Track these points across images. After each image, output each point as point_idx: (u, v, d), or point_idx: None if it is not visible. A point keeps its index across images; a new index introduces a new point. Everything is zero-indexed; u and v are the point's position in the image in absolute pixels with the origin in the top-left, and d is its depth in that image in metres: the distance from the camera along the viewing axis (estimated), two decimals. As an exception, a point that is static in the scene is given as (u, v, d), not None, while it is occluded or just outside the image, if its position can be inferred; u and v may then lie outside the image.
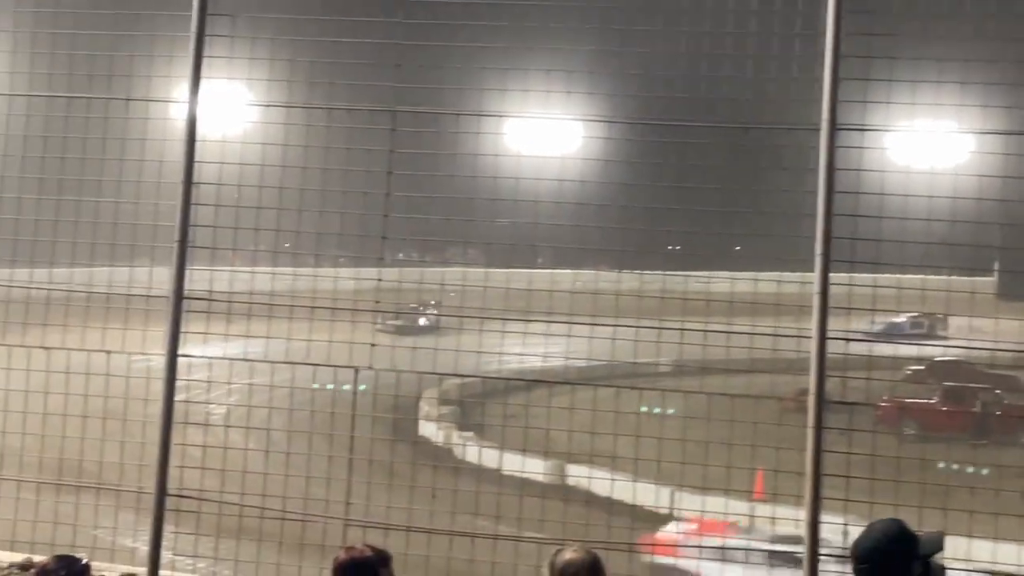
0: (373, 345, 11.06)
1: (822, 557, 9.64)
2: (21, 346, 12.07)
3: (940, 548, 5.19)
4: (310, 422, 12.93)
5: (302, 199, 11.48)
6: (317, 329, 11.24)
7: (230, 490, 11.16)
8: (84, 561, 6.15)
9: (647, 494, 13.39)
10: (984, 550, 10.69)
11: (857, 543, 5.24)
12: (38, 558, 11.09)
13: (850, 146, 10.39)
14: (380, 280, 11.17)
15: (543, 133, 12.61)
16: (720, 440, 11.07)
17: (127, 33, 11.29)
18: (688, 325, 11.19)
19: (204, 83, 10.90)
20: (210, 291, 11.72)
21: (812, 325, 10.11)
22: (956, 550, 10.45)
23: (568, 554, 6.26)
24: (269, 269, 12.27)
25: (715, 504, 12.67)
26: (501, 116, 11.64)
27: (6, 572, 11.09)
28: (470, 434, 26.33)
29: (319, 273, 12.09)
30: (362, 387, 11.68)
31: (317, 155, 11.44)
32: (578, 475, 17.18)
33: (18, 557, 11.26)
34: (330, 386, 11.62)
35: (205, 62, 10.88)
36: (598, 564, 6.27)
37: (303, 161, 11.43)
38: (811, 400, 10.09)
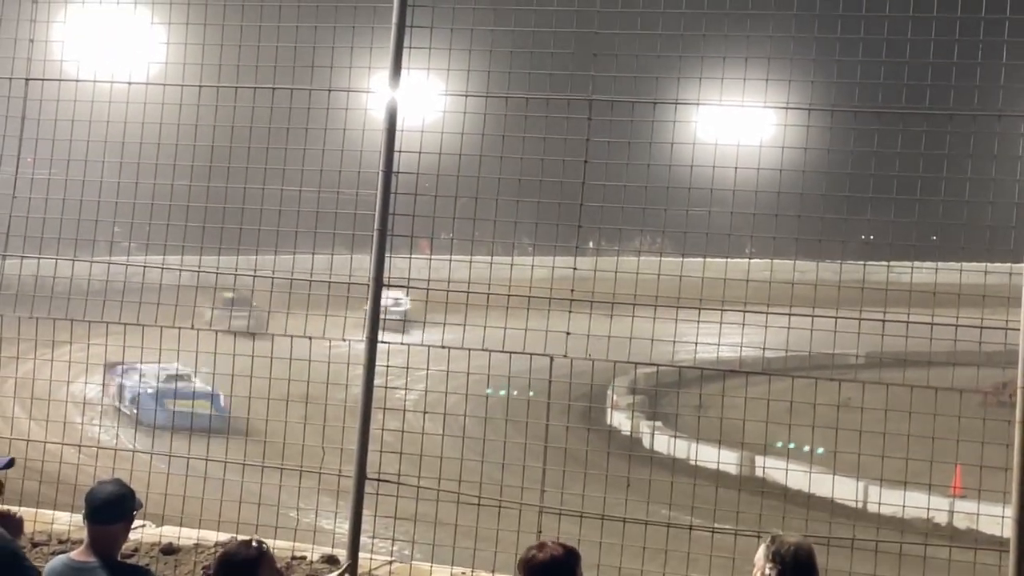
0: (568, 334, 11.10)
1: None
2: (228, 331, 12.48)
3: None
4: (504, 410, 13.07)
5: (499, 188, 11.58)
6: (513, 317, 11.32)
7: (427, 475, 11.34)
8: (263, 547, 6.33)
9: (841, 487, 13.15)
10: None
11: None
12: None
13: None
14: (576, 269, 11.20)
15: (740, 121, 12.46)
16: (917, 434, 10.83)
17: (329, 24, 11.52)
18: (889, 317, 10.95)
19: (404, 73, 11.10)
20: (408, 278, 11.94)
21: (1021, 317, 9.82)
22: None
23: (538, 552, 6.15)
24: (466, 257, 12.40)
25: (913, 499, 12.38)
26: (698, 104, 11.57)
27: (212, 550, 11.45)
28: (659, 423, 26.32)
29: (516, 262, 12.15)
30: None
31: (514, 144, 11.51)
32: (773, 467, 17.03)
33: (223, 536, 11.62)
34: (523, 374, 11.70)
35: (405, 52, 11.07)
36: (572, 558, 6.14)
37: (500, 151, 11.52)
38: (1019, 394, 9.81)
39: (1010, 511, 9.82)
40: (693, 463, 19.32)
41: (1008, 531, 9.90)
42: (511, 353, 11.19)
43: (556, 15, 11.55)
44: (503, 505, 10.99)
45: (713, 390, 15.98)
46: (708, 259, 11.63)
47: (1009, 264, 10.54)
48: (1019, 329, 9.83)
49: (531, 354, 11.25)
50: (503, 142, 11.49)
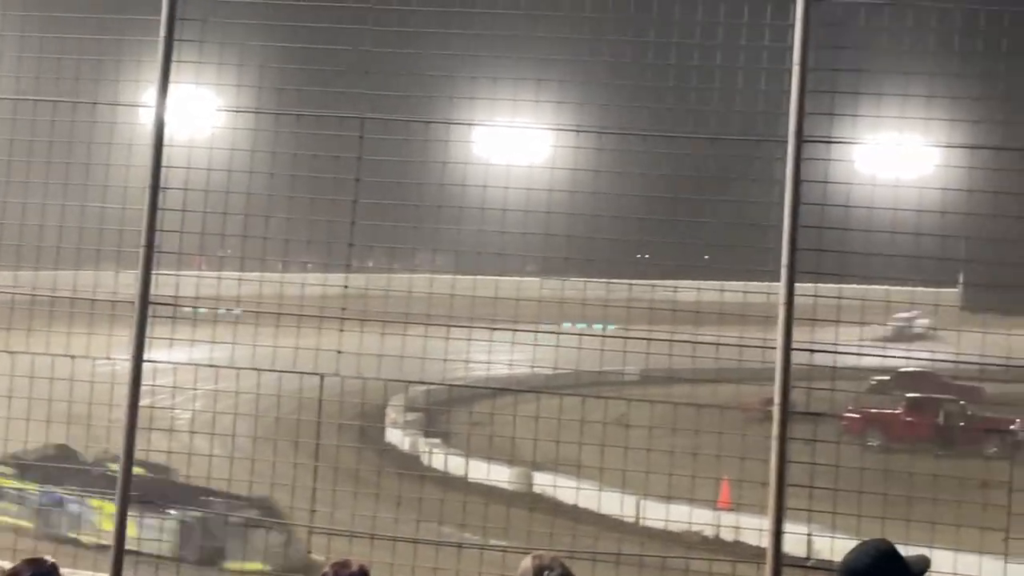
0: (340, 352, 11.05)
1: (785, 568, 9.66)
2: (-16, 350, 12.01)
3: (927, 568, 5.19)
4: (276, 429, 12.92)
5: (269, 205, 11.46)
6: (283, 335, 11.21)
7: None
8: (51, 562, 6.14)
9: (612, 503, 13.38)
10: (945, 561, 10.76)
11: (847, 562, 5.16)
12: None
13: (817, 158, 10.45)
14: (347, 287, 11.16)
15: (513, 142, 12.61)
16: (684, 450, 11.10)
17: (95, 37, 11.23)
18: (654, 335, 11.22)
19: (172, 88, 10.88)
20: (176, 296, 11.69)
21: (777, 335, 10.15)
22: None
23: (528, 561, 6.26)
24: (236, 274, 12.21)
25: (680, 513, 12.68)
26: (470, 124, 11.65)
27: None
28: (436, 441, 26.31)
29: (286, 279, 12.04)
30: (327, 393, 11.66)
31: (285, 161, 11.41)
32: (543, 483, 17.23)
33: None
34: (295, 393, 11.58)
35: (174, 67, 10.85)
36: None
37: (271, 167, 11.41)
38: (776, 411, 10.13)
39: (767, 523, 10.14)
40: (471, 480, 19.39)
41: (766, 542, 10.21)
42: (281, 372, 11.07)
43: (328, 32, 11.50)
44: (272, 526, 10.86)
45: (496, 407, 16.09)
46: (480, 277, 11.73)
47: (766, 284, 10.88)
48: (775, 348, 10.16)
49: (301, 372, 11.16)
50: (273, 158, 11.37)
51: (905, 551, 5.23)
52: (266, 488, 11.58)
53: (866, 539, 5.34)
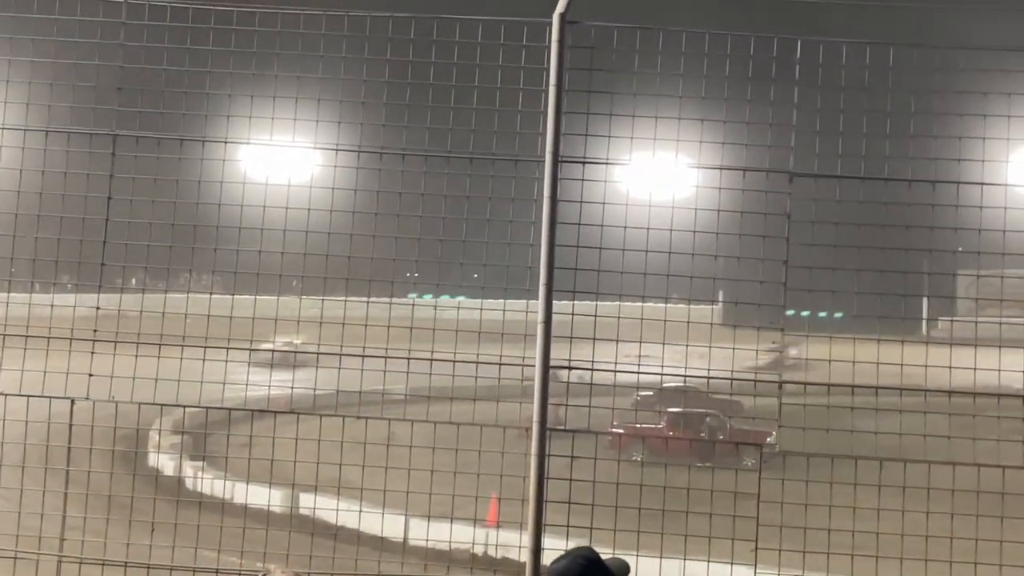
0: (91, 375, 10.75)
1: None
2: None
3: (628, 571, 5.49)
4: (24, 456, 12.44)
5: (16, 224, 11.07)
6: (31, 358, 10.83)
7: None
8: None
9: (376, 522, 13.31)
10: (700, 571, 11.05)
11: (556, 569, 5.42)
12: None
13: (573, 178, 10.64)
14: (99, 308, 10.86)
15: (275, 160, 12.46)
16: (448, 468, 11.15)
17: None
18: (417, 354, 11.24)
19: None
20: (-85, 319, 11.22)
21: (536, 353, 10.29)
22: (670, 572, 10.80)
23: None
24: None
25: (446, 532, 12.69)
26: (225, 142, 11.47)
27: None
28: (200, 464, 25.78)
29: (33, 301, 11.63)
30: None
31: (34, 178, 11.05)
32: (307, 505, 17.03)
33: None
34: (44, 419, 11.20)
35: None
36: None
37: (17, 185, 11.02)
38: (534, 428, 10.26)
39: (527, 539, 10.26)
40: (234, 504, 19.04)
41: (527, 558, 10.33)
42: (28, 396, 10.71)
43: (81, 47, 11.19)
44: (19, 556, 10.47)
45: (257, 429, 15.84)
46: (240, 296, 11.56)
47: (524, 302, 11.00)
48: (534, 365, 10.29)
49: (50, 397, 10.81)
50: (21, 176, 11.00)
51: (658, 563, 5.40)
52: (14, 517, 11.15)
53: (570, 548, 5.63)
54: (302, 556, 11.11)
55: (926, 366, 11.37)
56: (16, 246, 11.17)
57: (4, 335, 10.98)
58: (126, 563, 10.31)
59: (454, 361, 11.05)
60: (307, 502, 18.00)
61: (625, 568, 5.49)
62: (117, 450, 13.85)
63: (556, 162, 10.38)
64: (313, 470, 11.44)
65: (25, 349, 10.79)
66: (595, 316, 10.84)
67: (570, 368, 10.86)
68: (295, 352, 11.32)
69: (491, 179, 11.14)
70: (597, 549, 9.77)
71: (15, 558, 10.50)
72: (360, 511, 12.66)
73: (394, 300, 11.86)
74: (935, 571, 10.70)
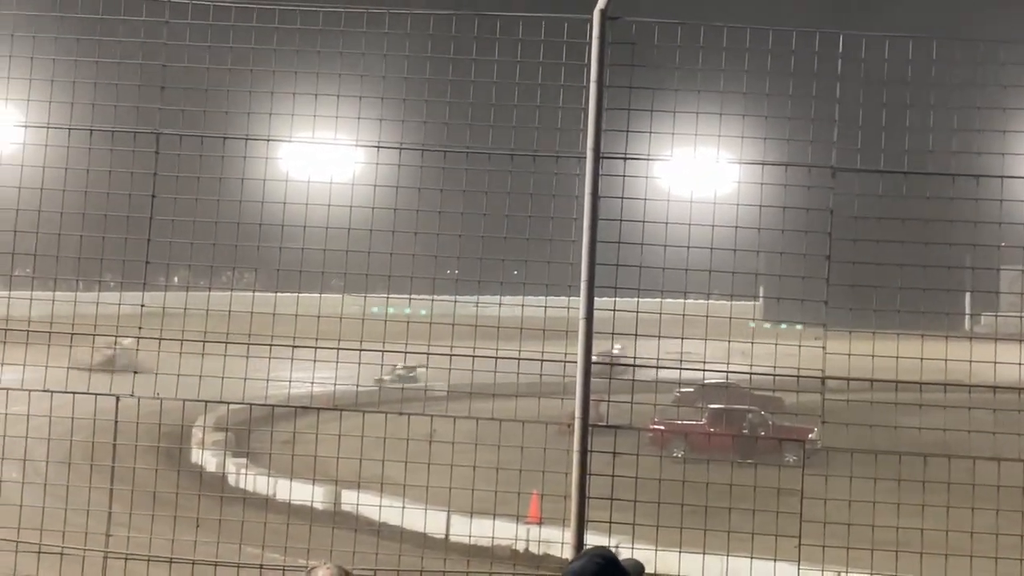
0: (136, 373, 10.82)
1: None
2: None
3: (642, 570, 5.52)
4: (72, 452, 12.54)
5: (62, 223, 11.14)
6: (78, 355, 10.91)
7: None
8: None
9: (418, 519, 13.35)
10: (742, 568, 11.00)
11: (573, 568, 5.43)
12: None
13: (614, 174, 10.62)
14: (143, 306, 10.93)
15: (317, 158, 12.51)
16: (490, 465, 11.16)
17: None
18: (460, 351, 11.24)
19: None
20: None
21: (578, 350, 10.28)
22: (712, 568, 10.79)
23: (321, 572, 6.20)
24: (26, 294, 11.85)
25: (488, 528, 12.71)
26: (267, 140, 11.52)
27: None
28: (244, 461, 25.97)
29: (81, 299, 11.71)
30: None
31: (78, 177, 11.11)
32: (349, 501, 17.09)
33: None
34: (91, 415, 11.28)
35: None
36: None
37: (63, 184, 11.09)
38: (576, 424, 10.25)
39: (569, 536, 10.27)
40: (277, 500, 19.16)
41: (569, 555, 10.32)
42: (74, 393, 10.79)
43: (123, 47, 11.25)
44: (65, 552, 10.55)
45: (300, 426, 15.93)
46: (284, 294, 11.61)
47: (566, 299, 10.98)
48: (576, 361, 10.29)
49: (96, 394, 10.88)
50: (66, 175, 11.07)
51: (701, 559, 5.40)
52: (60, 513, 11.24)
53: (588, 547, 5.67)
54: (345, 552, 11.13)
55: (970, 361, 11.27)
56: (61, 244, 11.24)
57: (50, 332, 11.07)
58: (171, 559, 10.38)
59: (496, 357, 11.06)
60: (350, 498, 18.09)
61: (640, 569, 5.52)
62: (161, 447, 13.96)
63: (597, 158, 10.38)
64: (356, 466, 11.47)
65: (71, 347, 10.87)
66: (636, 312, 10.82)
67: (612, 364, 10.86)
68: (338, 349, 11.32)
69: (532, 176, 11.14)
70: (639, 546, 9.79)
71: (61, 554, 10.58)
72: (403, 507, 12.72)
73: (436, 297, 11.89)
74: (980, 568, 10.63)
